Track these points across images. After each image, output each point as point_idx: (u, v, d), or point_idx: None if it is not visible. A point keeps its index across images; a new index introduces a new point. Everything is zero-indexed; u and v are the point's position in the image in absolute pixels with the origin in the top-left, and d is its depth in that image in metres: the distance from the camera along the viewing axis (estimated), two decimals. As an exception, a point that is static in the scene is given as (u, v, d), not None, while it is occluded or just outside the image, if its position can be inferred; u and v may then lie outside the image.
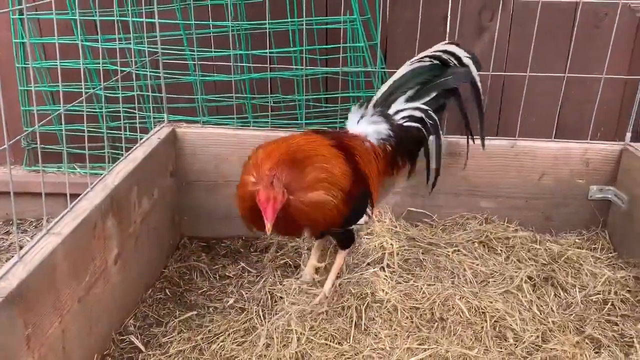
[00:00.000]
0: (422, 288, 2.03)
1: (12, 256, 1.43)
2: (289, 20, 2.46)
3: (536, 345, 1.83)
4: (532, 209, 2.48)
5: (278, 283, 2.15)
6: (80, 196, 1.78)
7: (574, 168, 2.43)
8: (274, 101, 2.59)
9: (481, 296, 2.00)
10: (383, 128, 2.04)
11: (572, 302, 2.04)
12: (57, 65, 2.59)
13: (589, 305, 2.03)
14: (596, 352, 1.81)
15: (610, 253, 2.33)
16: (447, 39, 2.65)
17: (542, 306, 2.00)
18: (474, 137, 2.23)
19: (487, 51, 2.55)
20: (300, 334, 1.86)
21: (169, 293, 2.19)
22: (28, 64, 2.62)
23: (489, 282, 2.12)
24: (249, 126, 2.56)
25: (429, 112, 2.08)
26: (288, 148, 1.79)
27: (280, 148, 1.79)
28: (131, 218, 2.01)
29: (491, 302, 1.96)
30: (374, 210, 2.03)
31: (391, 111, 2.07)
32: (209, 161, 2.48)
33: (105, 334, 1.87)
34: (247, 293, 2.16)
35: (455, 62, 2.08)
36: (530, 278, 2.13)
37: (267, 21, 2.33)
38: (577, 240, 2.41)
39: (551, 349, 1.80)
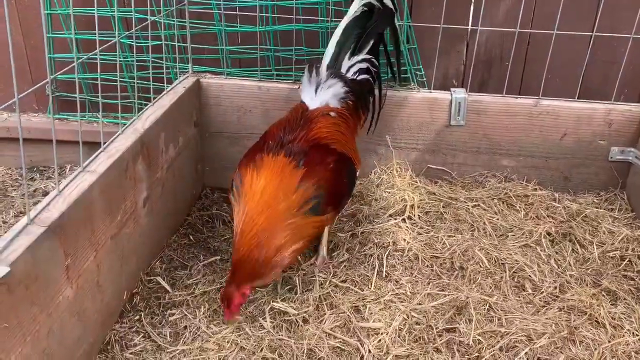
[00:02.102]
0: (442, 239, 2.07)
1: (39, 201, 1.47)
2: (317, -30, 2.44)
3: (554, 295, 1.87)
4: (552, 169, 2.50)
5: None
6: (112, 138, 1.82)
7: (596, 129, 2.43)
8: (298, 54, 2.59)
9: (500, 248, 2.04)
10: (339, 87, 2.06)
11: (589, 258, 2.07)
12: (83, 12, 2.62)
13: (606, 261, 2.06)
14: (612, 304, 1.85)
15: (629, 214, 2.35)
16: (473, -5, 2.63)
17: (559, 260, 2.04)
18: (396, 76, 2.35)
19: (516, 8, 2.52)
20: (323, 279, 1.91)
21: (192, 239, 2.25)
22: (55, 10, 2.62)
23: (508, 236, 2.15)
24: (272, 79, 2.57)
25: (372, 59, 2.17)
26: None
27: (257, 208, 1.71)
28: (159, 163, 2.05)
29: (510, 254, 2.01)
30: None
31: (343, 69, 2.11)
32: (232, 113, 2.50)
33: (135, 273, 1.93)
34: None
35: (378, 4, 2.13)
36: (548, 234, 2.17)
37: (294, -29, 2.32)
38: (595, 200, 2.43)
39: (568, 299, 1.84)
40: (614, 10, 2.56)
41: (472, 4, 2.62)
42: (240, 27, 2.57)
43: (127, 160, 1.79)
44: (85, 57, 1.89)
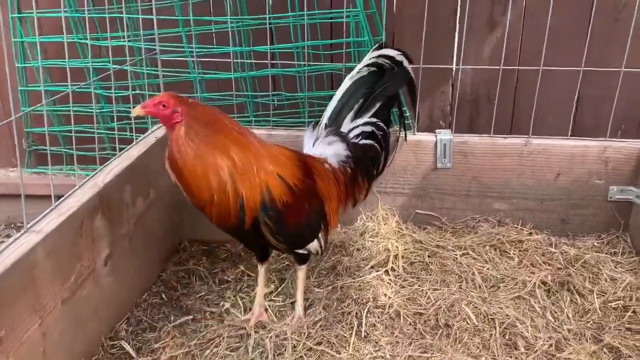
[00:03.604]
0: (427, 292, 1.92)
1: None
2: (291, 14, 2.38)
3: (549, 354, 1.70)
4: (548, 211, 2.36)
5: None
6: (67, 194, 1.72)
7: (592, 167, 2.29)
8: (278, 100, 2.51)
9: (490, 301, 1.88)
10: (341, 149, 1.94)
11: (589, 309, 1.90)
12: (55, 64, 2.58)
13: (608, 313, 1.89)
14: (615, 363, 1.68)
15: (632, 257, 2.19)
16: (457, 33, 2.56)
17: (556, 312, 1.88)
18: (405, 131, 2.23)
19: (500, 46, 2.43)
20: (297, 341, 1.76)
21: (165, 297, 2.11)
22: (28, 63, 2.59)
23: (499, 287, 1.99)
24: (250, 126, 2.48)
25: (378, 123, 2.02)
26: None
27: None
28: (123, 218, 1.94)
29: (501, 308, 1.85)
30: (328, 237, 1.89)
31: (344, 129, 1.98)
32: (210, 161, 2.40)
33: (94, 338, 1.79)
34: (245, 297, 2.07)
35: (390, 62, 2.01)
36: (544, 283, 2.01)
37: (267, 15, 2.26)
38: (595, 244, 2.27)
39: (566, 358, 1.67)
40: (603, 44, 2.46)
41: (456, 43, 2.54)
42: (214, 74, 2.50)
43: (82, 217, 1.68)
44: (54, 108, 1.81)
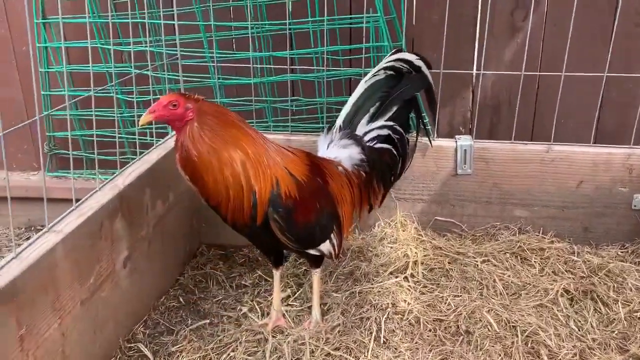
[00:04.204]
0: (447, 299, 1.89)
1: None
2: (310, 19, 2.38)
3: (573, 363, 1.66)
4: (570, 219, 2.31)
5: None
6: (87, 195, 1.73)
7: (615, 175, 2.25)
8: (297, 105, 2.51)
9: (512, 309, 1.84)
10: (355, 152, 1.91)
11: (614, 318, 1.85)
12: (77, 69, 2.61)
13: (634, 322, 1.84)
14: (642, 373, 1.63)
15: (658, 267, 2.14)
16: (477, 40, 2.55)
17: (580, 321, 1.83)
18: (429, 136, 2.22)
19: (520, 51, 2.41)
20: (315, 346, 1.74)
21: (182, 301, 2.11)
22: (51, 67, 2.62)
23: (520, 295, 1.96)
24: (268, 131, 2.48)
25: (395, 127, 1.97)
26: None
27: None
28: (143, 220, 1.95)
29: (523, 316, 1.81)
30: (342, 241, 1.85)
31: (359, 132, 1.95)
32: (228, 166, 2.40)
33: (112, 340, 1.79)
34: (262, 302, 2.05)
35: (408, 67, 1.98)
36: (567, 291, 1.96)
37: (287, 20, 2.26)
38: (619, 253, 2.22)
39: (590, 368, 1.63)
40: (626, 49, 2.43)
41: (476, 49, 2.52)
42: (234, 79, 2.51)
43: (102, 219, 1.68)
44: (76, 112, 1.82)
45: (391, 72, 1.99)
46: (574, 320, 1.84)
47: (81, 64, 2.63)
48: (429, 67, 2.02)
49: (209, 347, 1.82)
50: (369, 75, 2.00)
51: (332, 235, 1.78)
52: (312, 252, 1.80)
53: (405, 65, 1.98)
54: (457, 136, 2.33)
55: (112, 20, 2.48)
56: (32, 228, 2.87)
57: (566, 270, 2.09)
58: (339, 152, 1.92)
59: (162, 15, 2.30)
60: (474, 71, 2.51)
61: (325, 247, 1.79)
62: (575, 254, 2.19)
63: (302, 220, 1.68)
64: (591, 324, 1.82)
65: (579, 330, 1.80)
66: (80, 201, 1.68)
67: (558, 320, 1.83)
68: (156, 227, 2.03)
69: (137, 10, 2.40)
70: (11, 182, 2.85)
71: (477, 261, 2.12)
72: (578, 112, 2.54)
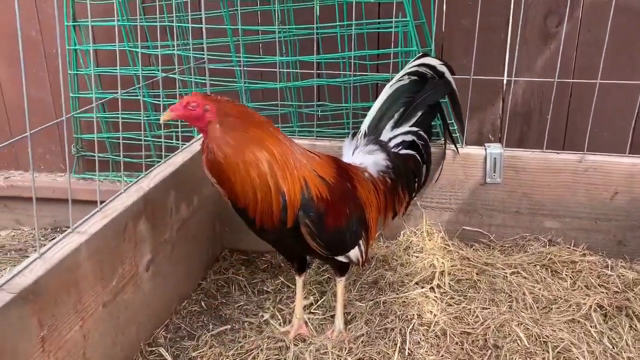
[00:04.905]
0: (474, 311, 1.83)
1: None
2: (338, 23, 2.36)
3: (608, 382, 1.59)
4: (603, 232, 2.23)
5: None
6: (112, 197, 1.72)
7: (652, 187, 2.17)
8: (323, 110, 2.49)
9: (542, 323, 1.78)
10: (381, 158, 1.89)
11: (651, 337, 1.78)
12: (105, 72, 2.64)
13: (672, 341, 1.76)
14: (681, 395, 1.55)
15: (698, 284, 2.05)
16: (508, 46, 2.49)
17: (614, 338, 1.76)
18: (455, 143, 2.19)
19: (552, 58, 2.35)
20: (337, 356, 1.70)
21: (204, 305, 2.09)
22: (80, 70, 2.65)
23: (551, 309, 1.89)
24: (294, 136, 2.46)
25: (419, 132, 1.97)
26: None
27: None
28: (167, 223, 1.93)
29: (554, 331, 1.74)
30: (369, 248, 1.82)
31: (384, 138, 1.93)
32: (253, 171, 2.39)
33: (133, 343, 1.78)
34: (284, 309, 2.02)
35: (431, 72, 1.95)
36: (600, 307, 1.89)
37: (315, 25, 2.24)
38: (656, 268, 2.14)
39: (626, 388, 1.56)
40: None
41: (507, 55, 2.47)
42: (260, 83, 2.50)
43: (126, 221, 1.68)
44: (103, 115, 1.83)
45: (415, 77, 1.97)
46: (608, 337, 1.76)
47: (109, 66, 2.65)
48: (452, 72, 1.99)
49: (230, 353, 1.80)
50: (394, 80, 1.98)
51: (360, 242, 1.75)
52: (340, 258, 1.76)
53: (429, 71, 1.96)
54: (486, 144, 2.28)
55: (141, 23, 2.49)
56: (58, 229, 2.89)
57: (599, 285, 2.01)
58: (364, 158, 1.89)
59: (190, 19, 2.31)
60: (505, 78, 2.45)
61: (354, 253, 1.75)
62: (609, 268, 2.11)
63: (333, 224, 1.65)
64: (626, 342, 1.74)
65: (614, 348, 1.72)
66: (105, 203, 1.68)
67: (591, 336, 1.76)
68: (180, 231, 2.02)
69: (165, 14, 2.42)
70: (38, 183, 2.91)
71: (506, 273, 2.06)
72: (613, 122, 2.47)
